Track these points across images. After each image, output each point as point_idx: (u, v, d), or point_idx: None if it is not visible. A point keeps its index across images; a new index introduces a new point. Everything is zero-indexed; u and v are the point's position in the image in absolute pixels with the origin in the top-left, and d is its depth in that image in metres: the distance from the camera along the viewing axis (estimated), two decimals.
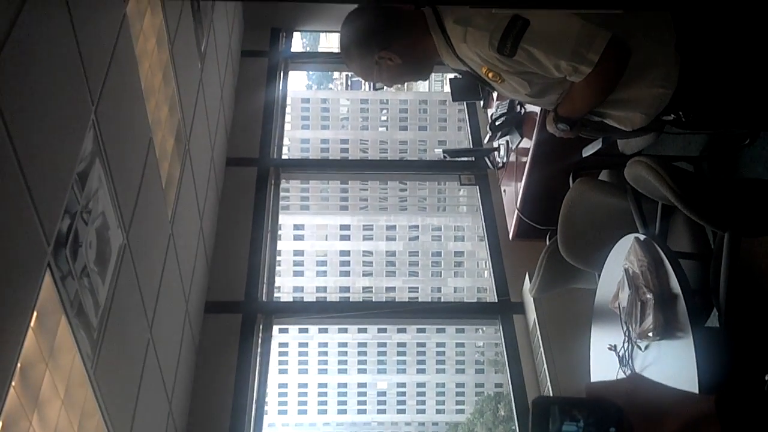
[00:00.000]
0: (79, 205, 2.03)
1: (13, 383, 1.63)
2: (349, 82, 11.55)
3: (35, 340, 1.78)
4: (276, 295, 4.24)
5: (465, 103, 5.09)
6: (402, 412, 11.28)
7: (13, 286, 1.65)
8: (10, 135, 1.63)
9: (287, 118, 5.66)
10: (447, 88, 5.13)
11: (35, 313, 1.77)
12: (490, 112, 4.33)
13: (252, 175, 4.44)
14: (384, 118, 8.14)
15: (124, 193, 2.39)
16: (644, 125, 2.27)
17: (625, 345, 2.38)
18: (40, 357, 1.81)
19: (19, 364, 1.67)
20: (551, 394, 3.38)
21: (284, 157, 5.28)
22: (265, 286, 4.01)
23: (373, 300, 8.00)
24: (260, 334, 3.79)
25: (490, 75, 2.19)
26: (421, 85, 8.46)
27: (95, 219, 2.15)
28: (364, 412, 11.25)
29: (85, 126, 2.08)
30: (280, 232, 4.50)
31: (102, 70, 2.22)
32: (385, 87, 2.39)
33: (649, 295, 2.28)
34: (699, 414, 1.00)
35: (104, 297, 2.23)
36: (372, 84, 2.38)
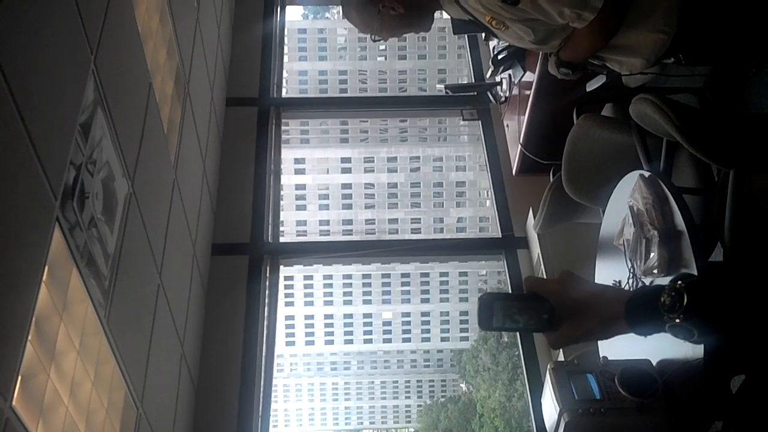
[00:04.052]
0: (84, 156, 2.02)
1: (29, 338, 1.66)
2: None
3: (48, 293, 1.80)
4: (280, 229, 4.26)
5: (466, 35, 5.01)
6: (407, 340, 11.52)
7: (23, 242, 1.67)
8: (12, 90, 1.61)
9: (285, 49, 5.57)
10: (446, 15, 5.03)
11: (47, 267, 1.78)
12: (491, 44, 4.26)
13: (253, 115, 4.40)
14: (382, 47, 8.02)
15: (127, 141, 2.39)
16: (644, 70, 2.27)
17: (630, 281, 2.41)
18: (53, 310, 1.84)
19: (34, 319, 1.70)
20: None
21: (284, 92, 5.22)
22: (270, 227, 4.02)
23: (376, 233, 8.05)
24: (267, 276, 3.82)
25: (494, 23, 2.18)
26: None
27: (100, 169, 2.15)
28: (370, 341, 11.49)
29: (85, 75, 2.06)
30: (282, 166, 4.49)
31: (99, 17, 2.19)
32: (385, 41, 2.35)
33: (653, 232, 2.29)
34: (612, 314, 1.18)
35: (113, 246, 2.25)
36: (371, 36, 2.33)
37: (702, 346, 1.85)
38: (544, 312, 1.22)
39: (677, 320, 1.11)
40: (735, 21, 2.19)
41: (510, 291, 3.83)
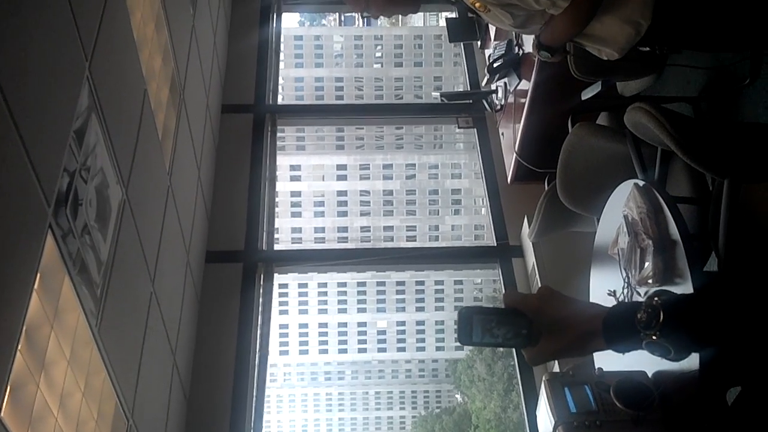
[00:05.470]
0: (78, 163, 2.01)
1: (19, 348, 1.64)
2: (342, 18, 11.38)
3: (39, 302, 1.78)
4: (275, 236, 4.24)
5: (462, 43, 5.01)
6: (402, 350, 11.49)
7: (15, 249, 1.65)
8: (5, 96, 1.60)
9: (280, 56, 5.57)
10: (442, 23, 5.04)
11: (38, 275, 1.77)
12: (487, 53, 4.27)
13: (248, 122, 4.40)
14: (378, 54, 8.02)
15: (121, 147, 2.38)
16: (620, 57, 2.33)
17: (625, 291, 2.40)
18: (44, 319, 1.82)
19: (24, 328, 1.68)
20: None
21: (279, 99, 5.22)
22: (264, 234, 4.01)
23: (371, 241, 8.03)
24: (261, 284, 3.81)
25: (477, 5, 2.29)
26: (416, 19, 8.35)
27: (94, 176, 2.14)
28: (364, 351, 11.46)
29: (79, 82, 2.05)
30: (277, 173, 4.49)
31: (94, 23, 2.18)
32: (374, 19, 2.41)
33: (648, 242, 2.29)
34: (589, 330, 1.19)
35: (106, 253, 2.23)
36: (361, 14, 2.38)
37: (697, 358, 1.84)
38: (523, 327, 1.22)
39: (653, 337, 1.11)
40: (710, 12, 2.23)
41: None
